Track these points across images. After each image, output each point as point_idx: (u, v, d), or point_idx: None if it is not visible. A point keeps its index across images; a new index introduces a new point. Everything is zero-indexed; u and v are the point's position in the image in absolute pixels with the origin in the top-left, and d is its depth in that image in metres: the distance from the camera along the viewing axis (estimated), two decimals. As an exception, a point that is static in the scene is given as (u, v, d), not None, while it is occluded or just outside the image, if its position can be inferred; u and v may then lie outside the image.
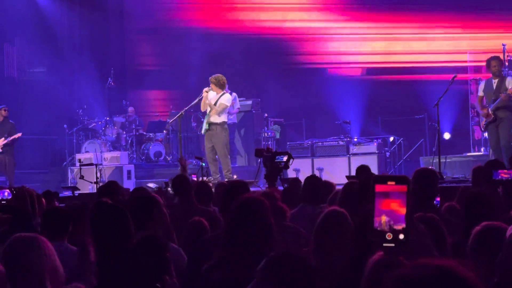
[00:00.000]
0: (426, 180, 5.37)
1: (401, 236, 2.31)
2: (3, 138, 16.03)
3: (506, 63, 13.74)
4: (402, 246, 2.31)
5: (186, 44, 19.40)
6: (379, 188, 2.35)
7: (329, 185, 7.34)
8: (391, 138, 16.13)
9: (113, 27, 19.90)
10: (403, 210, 2.32)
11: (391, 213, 2.32)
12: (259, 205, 3.92)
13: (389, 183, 2.36)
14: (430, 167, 12.61)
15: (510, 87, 11.75)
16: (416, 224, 3.49)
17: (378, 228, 2.32)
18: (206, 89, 13.49)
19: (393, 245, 2.31)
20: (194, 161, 15.59)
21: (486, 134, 13.05)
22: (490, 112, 11.91)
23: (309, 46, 19.71)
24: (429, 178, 5.43)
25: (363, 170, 8.49)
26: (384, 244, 2.32)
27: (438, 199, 5.49)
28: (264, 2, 19.41)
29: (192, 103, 13.97)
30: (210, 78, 13.60)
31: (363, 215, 3.01)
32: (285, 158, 12.98)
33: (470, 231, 4.08)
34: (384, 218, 2.31)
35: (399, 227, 2.31)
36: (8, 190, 6.67)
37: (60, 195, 12.80)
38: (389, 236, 2.31)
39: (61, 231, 5.40)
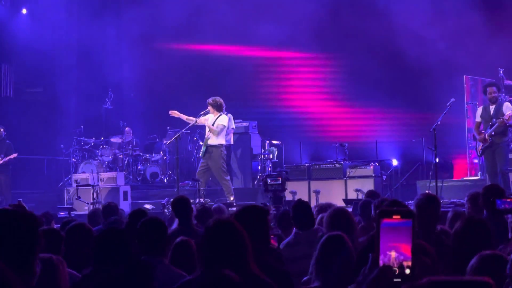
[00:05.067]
0: (428, 206, 5.36)
1: (407, 271, 2.32)
2: (-1, 158, 16.04)
3: (503, 89, 13.80)
4: (408, 281, 2.31)
5: (183, 65, 19.49)
6: (385, 222, 2.35)
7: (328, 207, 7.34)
8: (395, 162, 16.12)
9: (112, 48, 19.95)
10: (409, 245, 2.32)
11: (398, 248, 2.32)
12: (229, 225, 3.88)
13: (394, 217, 2.36)
14: (427, 191, 12.66)
15: (506, 113, 11.80)
16: (423, 258, 3.48)
17: (386, 264, 2.32)
18: (202, 113, 13.63)
19: (399, 280, 2.31)
20: (191, 183, 15.58)
21: (481, 159, 13.11)
22: (486, 137, 11.95)
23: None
24: (432, 204, 5.42)
25: (373, 195, 8.53)
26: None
27: None
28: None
29: (189, 125, 14.04)
30: (207, 100, 13.68)
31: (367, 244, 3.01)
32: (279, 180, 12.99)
33: (464, 256, 4.04)
34: (393, 254, 2.31)
35: (407, 262, 2.31)
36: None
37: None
38: (395, 271, 2.32)
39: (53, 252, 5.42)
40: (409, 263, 2.31)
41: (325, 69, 19.78)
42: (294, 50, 19.77)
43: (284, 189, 12.79)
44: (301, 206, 6.89)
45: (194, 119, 13.77)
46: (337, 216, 5.59)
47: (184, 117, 13.82)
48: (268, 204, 11.30)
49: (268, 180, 12.49)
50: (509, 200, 3.69)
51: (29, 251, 2.98)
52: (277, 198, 11.90)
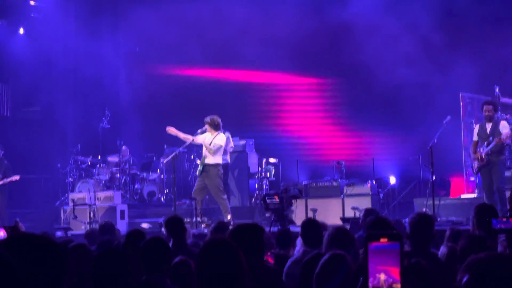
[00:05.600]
0: (422, 226, 5.39)
1: None
2: (-3, 178, 15.99)
3: (499, 107, 13.82)
4: None
5: (179, 85, 19.57)
6: (372, 245, 2.36)
7: (324, 227, 7.36)
8: (393, 180, 16.11)
9: (109, 67, 20.01)
10: (398, 267, 2.33)
11: (387, 271, 2.33)
12: (225, 244, 3.91)
13: (382, 240, 2.37)
14: (424, 209, 12.66)
15: (504, 132, 11.81)
16: (412, 280, 3.48)
17: (376, 286, 2.33)
18: (199, 131, 13.65)
19: None
20: (188, 202, 15.57)
21: (478, 178, 13.11)
22: (483, 155, 11.95)
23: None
24: (425, 224, 5.44)
25: (370, 213, 8.53)
26: None
27: None
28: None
29: (186, 144, 14.04)
30: (205, 119, 13.71)
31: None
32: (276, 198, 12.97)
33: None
34: (383, 276, 2.33)
35: (396, 285, 2.32)
36: (3, 230, 6.59)
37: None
38: None
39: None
40: (398, 286, 2.32)
41: (320, 92, 19.85)
42: (288, 73, 19.87)
43: (285, 208, 12.79)
44: (311, 224, 6.96)
45: (191, 137, 13.78)
46: (337, 234, 5.60)
47: (181, 135, 13.83)
48: (259, 223, 11.28)
49: (267, 199, 12.52)
50: (504, 219, 3.71)
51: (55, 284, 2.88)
52: (280, 217, 11.92)
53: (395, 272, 2.33)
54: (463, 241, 4.72)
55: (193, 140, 13.76)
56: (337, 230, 5.79)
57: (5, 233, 6.26)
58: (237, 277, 3.77)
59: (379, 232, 2.41)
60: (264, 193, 16.14)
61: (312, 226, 6.86)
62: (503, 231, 4.09)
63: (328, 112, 19.61)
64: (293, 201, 13.04)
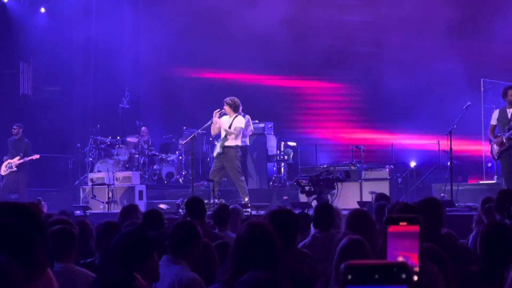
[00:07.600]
0: (431, 210, 5.36)
1: (415, 278, 2.29)
2: (18, 157, 16.11)
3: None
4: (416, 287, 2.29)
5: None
6: (391, 229, 2.34)
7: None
8: (413, 163, 16.05)
9: (129, 47, 20.06)
10: (416, 251, 2.31)
11: (406, 256, 2.30)
12: (264, 229, 4.01)
13: (401, 223, 2.35)
14: (442, 195, 12.61)
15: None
16: (430, 266, 3.47)
17: None
18: (216, 111, 13.55)
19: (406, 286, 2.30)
20: (206, 183, 15.62)
21: (497, 163, 13.01)
22: (504, 140, 11.84)
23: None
24: (434, 208, 5.43)
25: (381, 198, 8.52)
26: None
27: None
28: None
29: (205, 125, 14.03)
30: (225, 100, 13.64)
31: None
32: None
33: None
34: (400, 259, 2.30)
35: (415, 269, 2.29)
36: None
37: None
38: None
39: (69, 251, 5.42)
40: (417, 269, 2.30)
41: (340, 89, 19.81)
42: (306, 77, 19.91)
43: (323, 191, 12.85)
44: (323, 208, 6.99)
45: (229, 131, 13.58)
46: (356, 217, 5.59)
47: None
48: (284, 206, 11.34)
49: (301, 182, 12.69)
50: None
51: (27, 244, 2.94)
52: (318, 199, 12.08)
53: (414, 257, 2.31)
54: (484, 227, 4.69)
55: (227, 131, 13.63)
56: (356, 212, 5.77)
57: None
58: (272, 259, 3.86)
59: (398, 215, 2.38)
60: (282, 175, 16.24)
61: (324, 210, 6.89)
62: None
63: (347, 103, 19.56)
64: (336, 184, 13.13)
